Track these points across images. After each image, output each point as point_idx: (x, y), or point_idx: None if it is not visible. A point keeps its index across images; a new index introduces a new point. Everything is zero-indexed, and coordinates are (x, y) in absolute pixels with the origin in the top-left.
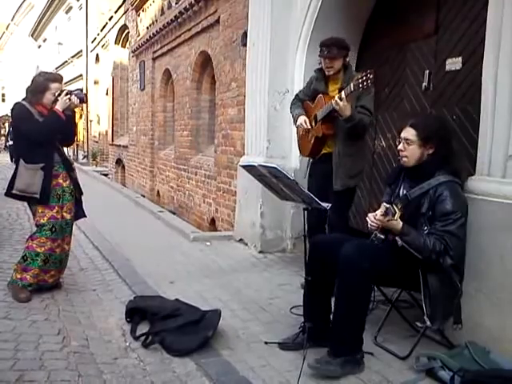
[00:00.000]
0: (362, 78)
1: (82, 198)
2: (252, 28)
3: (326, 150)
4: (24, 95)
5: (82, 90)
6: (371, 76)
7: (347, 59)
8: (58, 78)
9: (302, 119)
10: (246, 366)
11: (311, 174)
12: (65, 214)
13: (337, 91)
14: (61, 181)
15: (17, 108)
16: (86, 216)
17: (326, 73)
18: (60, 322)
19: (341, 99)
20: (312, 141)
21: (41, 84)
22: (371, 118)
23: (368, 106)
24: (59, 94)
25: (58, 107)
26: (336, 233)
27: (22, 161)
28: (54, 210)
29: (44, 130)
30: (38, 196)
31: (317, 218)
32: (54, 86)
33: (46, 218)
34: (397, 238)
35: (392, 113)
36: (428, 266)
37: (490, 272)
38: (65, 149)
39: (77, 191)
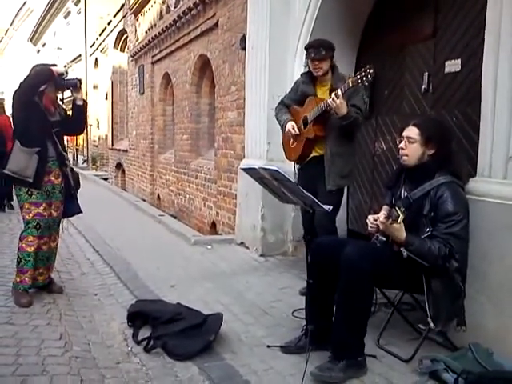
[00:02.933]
0: (361, 73)
1: (78, 194)
2: (251, 32)
3: (316, 152)
4: None
5: (79, 80)
6: (371, 71)
7: (334, 60)
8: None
9: (290, 125)
10: (249, 369)
11: (300, 178)
12: (53, 211)
13: (326, 93)
14: (53, 178)
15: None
16: (81, 212)
17: (315, 73)
18: (62, 326)
19: (337, 97)
20: (303, 143)
21: (44, 70)
22: (362, 118)
23: (359, 104)
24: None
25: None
26: (323, 233)
27: (17, 142)
28: (41, 208)
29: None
30: (31, 180)
31: (312, 221)
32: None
33: (31, 215)
34: (402, 249)
35: (392, 115)
36: (431, 268)
37: (491, 273)
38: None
39: (70, 187)
